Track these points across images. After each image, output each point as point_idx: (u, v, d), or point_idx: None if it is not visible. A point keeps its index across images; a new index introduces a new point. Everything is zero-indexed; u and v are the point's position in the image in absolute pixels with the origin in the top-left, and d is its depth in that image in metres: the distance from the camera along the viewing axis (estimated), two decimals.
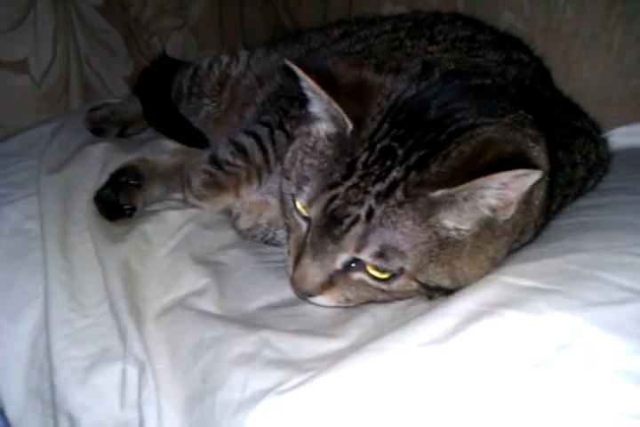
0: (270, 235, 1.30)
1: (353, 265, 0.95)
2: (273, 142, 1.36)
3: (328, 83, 0.95)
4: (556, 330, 0.78)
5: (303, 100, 1.06)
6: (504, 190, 0.87)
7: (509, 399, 0.73)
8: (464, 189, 0.85)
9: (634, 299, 0.80)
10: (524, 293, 0.86)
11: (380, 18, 1.69)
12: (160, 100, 1.79)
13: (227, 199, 1.37)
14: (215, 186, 1.35)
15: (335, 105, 0.94)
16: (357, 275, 0.95)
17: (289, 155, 1.05)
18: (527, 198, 0.96)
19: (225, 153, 1.37)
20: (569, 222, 1.08)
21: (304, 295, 1.00)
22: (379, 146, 0.92)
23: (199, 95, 1.79)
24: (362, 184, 0.90)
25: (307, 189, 0.96)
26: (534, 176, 0.85)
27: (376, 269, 0.93)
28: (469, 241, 0.91)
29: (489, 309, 0.85)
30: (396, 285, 0.94)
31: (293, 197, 0.99)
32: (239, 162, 1.35)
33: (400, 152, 0.90)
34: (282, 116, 1.37)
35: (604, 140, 1.34)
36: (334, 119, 0.97)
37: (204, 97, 1.79)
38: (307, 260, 0.96)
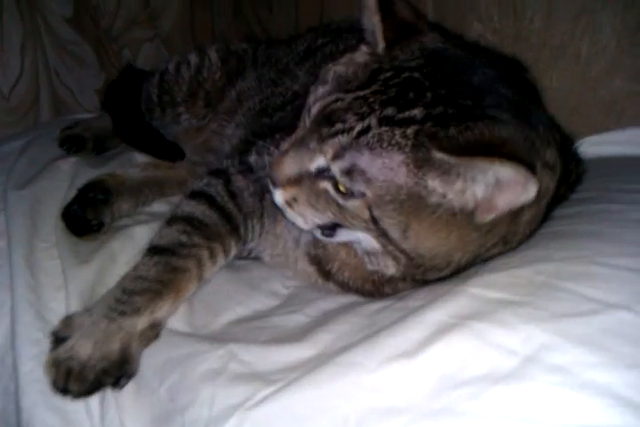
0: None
1: (325, 174, 0.94)
2: (232, 196, 1.24)
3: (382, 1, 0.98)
4: (523, 342, 0.78)
5: None
6: (495, 188, 0.84)
7: (475, 413, 0.73)
8: (462, 163, 0.83)
9: (600, 310, 0.80)
10: (492, 304, 0.86)
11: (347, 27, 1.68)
12: (129, 114, 1.76)
13: (190, 288, 1.12)
14: (174, 272, 1.10)
15: (375, 19, 0.98)
16: (324, 184, 0.95)
17: (330, 64, 1.04)
18: (516, 212, 0.93)
19: (173, 235, 1.15)
20: (539, 232, 1.08)
21: (273, 182, 0.99)
22: (407, 73, 0.92)
23: (172, 104, 1.76)
24: (371, 99, 0.90)
25: (321, 89, 0.98)
26: (531, 189, 0.82)
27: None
28: (440, 212, 0.89)
29: (458, 321, 0.84)
30: (351, 204, 0.92)
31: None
32: (197, 239, 1.15)
33: (429, 94, 0.89)
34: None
35: (579, 156, 1.32)
36: (372, 35, 1.00)
37: (177, 106, 1.76)
38: (291, 153, 0.97)
